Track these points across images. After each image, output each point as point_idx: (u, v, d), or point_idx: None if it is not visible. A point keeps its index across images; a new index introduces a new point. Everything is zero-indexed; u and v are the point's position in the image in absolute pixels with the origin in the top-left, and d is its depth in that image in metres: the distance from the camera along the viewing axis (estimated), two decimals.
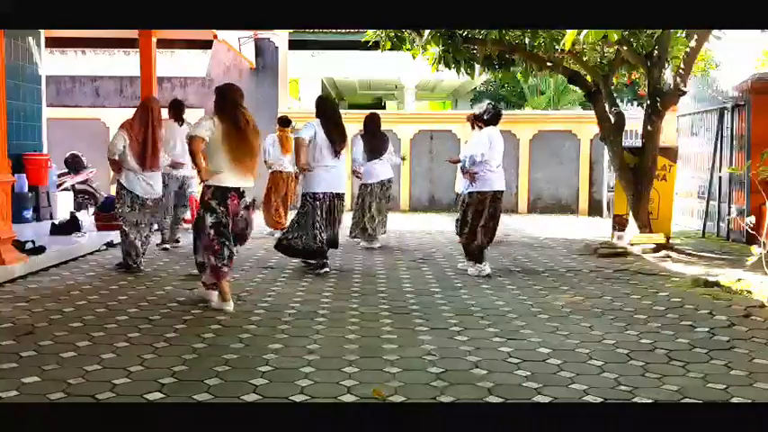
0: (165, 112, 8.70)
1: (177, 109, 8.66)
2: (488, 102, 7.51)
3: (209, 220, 5.51)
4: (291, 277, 6.84)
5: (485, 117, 7.16)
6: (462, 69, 8.89)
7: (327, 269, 7.10)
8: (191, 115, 9.22)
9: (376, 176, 8.85)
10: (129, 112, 13.48)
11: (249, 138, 5.53)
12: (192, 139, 5.44)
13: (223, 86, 5.83)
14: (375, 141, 8.91)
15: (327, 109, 7.33)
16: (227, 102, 5.62)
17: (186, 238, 8.86)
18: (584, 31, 5.70)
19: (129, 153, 6.95)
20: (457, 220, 9.47)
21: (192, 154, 5.49)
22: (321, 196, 7.12)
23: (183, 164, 8.27)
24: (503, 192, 7.20)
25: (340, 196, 7.29)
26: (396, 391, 3.73)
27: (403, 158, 9.95)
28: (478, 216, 7.08)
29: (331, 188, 7.18)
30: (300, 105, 20.00)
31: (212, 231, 5.51)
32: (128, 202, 7.02)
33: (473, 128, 8.60)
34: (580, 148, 13.97)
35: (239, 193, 5.62)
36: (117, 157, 6.95)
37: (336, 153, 7.13)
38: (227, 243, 5.54)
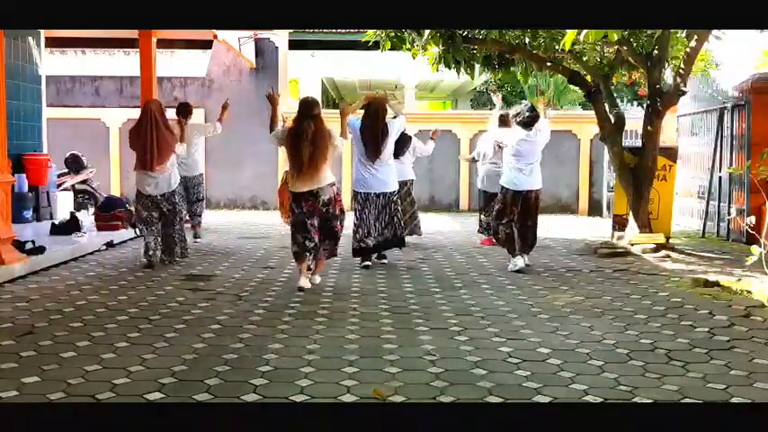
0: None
1: (181, 112, 8.74)
2: (525, 103, 7.68)
3: (291, 219, 6.47)
4: (291, 277, 6.84)
5: (517, 119, 7.34)
6: (462, 69, 8.88)
7: (368, 263, 7.44)
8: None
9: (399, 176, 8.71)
10: (129, 112, 13.59)
11: (302, 147, 6.08)
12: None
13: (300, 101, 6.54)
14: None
15: (366, 114, 7.32)
16: (297, 114, 6.28)
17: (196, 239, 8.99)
18: (584, 31, 5.70)
19: (135, 154, 7.26)
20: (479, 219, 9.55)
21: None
22: (362, 195, 7.35)
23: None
24: (528, 192, 7.30)
25: (383, 194, 7.36)
26: (396, 391, 3.74)
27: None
28: (501, 213, 7.38)
29: (368, 188, 7.32)
30: None
31: (292, 228, 6.43)
32: (140, 199, 7.38)
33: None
34: (580, 148, 13.97)
35: (313, 195, 6.21)
36: None
37: (369, 158, 7.24)
38: (304, 235, 6.28)
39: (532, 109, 7.41)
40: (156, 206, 7.35)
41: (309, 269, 6.47)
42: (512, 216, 7.34)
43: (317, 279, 6.50)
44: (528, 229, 7.41)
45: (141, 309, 5.53)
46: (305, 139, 6.09)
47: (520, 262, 7.30)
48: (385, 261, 7.67)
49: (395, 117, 7.69)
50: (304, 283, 6.27)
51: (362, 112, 7.42)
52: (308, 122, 6.13)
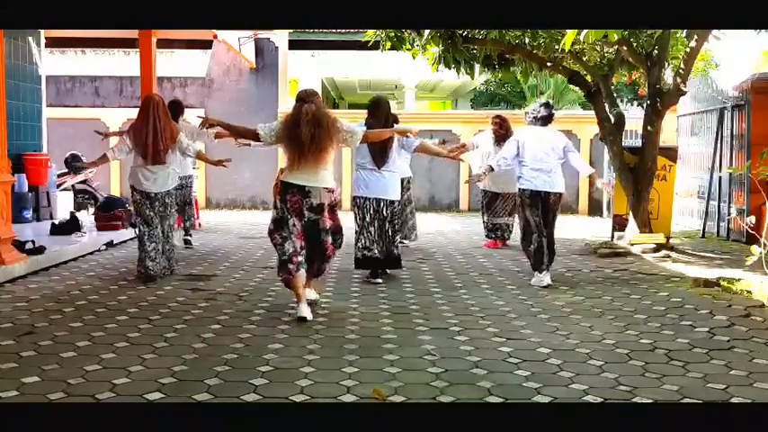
0: None
1: (173, 109, 8.59)
2: (540, 102, 7.28)
3: (272, 214, 5.55)
4: None
5: (530, 117, 7.03)
6: (462, 69, 8.88)
7: (378, 280, 6.75)
8: (190, 115, 9.19)
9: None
10: (129, 112, 13.57)
11: (302, 128, 5.29)
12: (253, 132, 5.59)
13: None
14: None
15: (373, 114, 6.73)
16: (295, 102, 5.57)
17: (200, 240, 8.97)
18: (585, 31, 5.70)
19: (134, 149, 6.77)
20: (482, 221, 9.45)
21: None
22: (361, 200, 6.71)
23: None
24: (548, 194, 6.80)
25: (386, 202, 6.72)
26: (396, 391, 3.74)
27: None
28: (527, 219, 6.86)
29: (368, 193, 6.67)
30: None
31: (272, 225, 5.49)
32: (135, 197, 6.84)
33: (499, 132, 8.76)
34: (580, 149, 13.96)
35: (303, 192, 5.36)
36: (112, 159, 6.91)
37: (376, 164, 6.64)
38: (288, 239, 5.40)
39: (548, 106, 7.08)
40: (151, 205, 6.78)
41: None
42: (537, 220, 6.80)
43: (313, 295, 5.63)
44: (546, 237, 6.82)
45: (141, 309, 5.52)
46: (306, 120, 5.29)
47: (547, 278, 6.68)
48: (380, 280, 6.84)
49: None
50: (305, 312, 5.28)
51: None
52: (308, 104, 5.37)
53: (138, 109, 7.08)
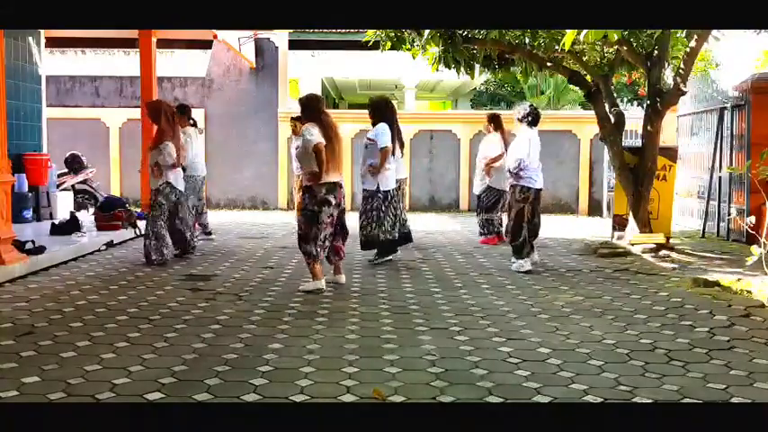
0: None
1: (184, 112, 8.89)
2: (529, 104, 7.90)
3: (320, 214, 6.32)
4: (291, 277, 6.84)
5: (529, 119, 7.49)
6: (462, 69, 8.88)
7: (390, 258, 7.82)
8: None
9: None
10: (129, 112, 13.57)
11: (335, 146, 6.23)
12: (317, 146, 6.10)
13: (306, 98, 6.51)
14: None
15: (389, 112, 7.83)
16: (315, 111, 6.31)
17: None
18: (584, 31, 5.70)
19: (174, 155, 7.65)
20: (483, 220, 9.48)
21: (320, 162, 6.13)
22: (394, 191, 7.78)
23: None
24: (541, 190, 7.66)
25: (400, 182, 8.01)
26: (396, 391, 3.74)
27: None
28: (522, 213, 7.49)
29: (398, 175, 7.95)
30: None
31: (321, 225, 6.29)
32: (172, 197, 7.69)
33: (489, 131, 9.37)
34: (580, 148, 13.97)
35: (340, 186, 6.37)
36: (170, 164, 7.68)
37: (395, 151, 7.79)
38: (331, 233, 6.44)
39: (534, 108, 7.65)
40: (176, 202, 7.79)
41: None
42: (528, 216, 7.52)
43: (342, 279, 6.59)
44: (536, 226, 7.62)
45: (141, 309, 5.53)
46: (336, 134, 6.30)
47: (528, 265, 7.34)
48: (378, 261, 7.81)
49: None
50: (323, 283, 6.28)
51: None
52: (328, 116, 6.31)
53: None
